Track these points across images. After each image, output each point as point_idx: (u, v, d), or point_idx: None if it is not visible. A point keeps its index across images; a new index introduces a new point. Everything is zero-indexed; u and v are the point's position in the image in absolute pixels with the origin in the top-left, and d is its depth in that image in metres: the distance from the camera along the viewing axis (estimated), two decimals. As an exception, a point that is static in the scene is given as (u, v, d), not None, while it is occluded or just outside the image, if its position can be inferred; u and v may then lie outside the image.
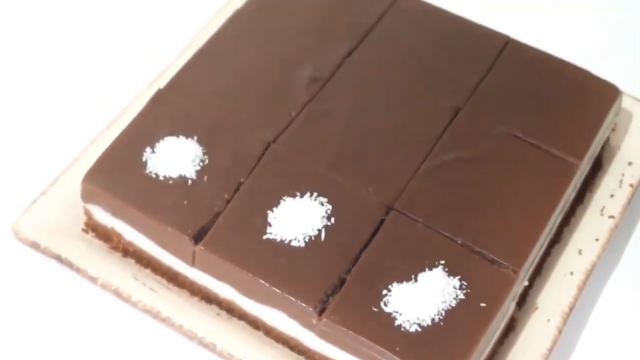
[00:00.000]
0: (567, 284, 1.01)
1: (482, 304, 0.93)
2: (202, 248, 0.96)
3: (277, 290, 0.94)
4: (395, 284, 0.94)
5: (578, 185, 1.06)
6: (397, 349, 0.90)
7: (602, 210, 1.06)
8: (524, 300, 1.01)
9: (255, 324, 0.99)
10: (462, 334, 0.92)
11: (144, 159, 1.01)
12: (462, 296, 0.93)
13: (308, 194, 0.99)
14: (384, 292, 0.93)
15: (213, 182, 1.00)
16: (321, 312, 0.93)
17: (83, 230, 1.05)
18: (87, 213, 1.04)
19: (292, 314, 0.95)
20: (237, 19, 1.13)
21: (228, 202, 0.99)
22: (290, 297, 0.93)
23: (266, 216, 0.97)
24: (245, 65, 1.09)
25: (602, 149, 1.10)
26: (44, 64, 1.23)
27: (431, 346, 0.91)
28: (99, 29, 1.27)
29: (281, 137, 1.03)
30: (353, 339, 0.92)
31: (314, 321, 0.93)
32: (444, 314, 0.92)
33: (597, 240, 1.04)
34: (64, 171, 1.06)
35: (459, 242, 0.97)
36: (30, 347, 1.01)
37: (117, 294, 0.99)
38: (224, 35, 1.12)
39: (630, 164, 1.10)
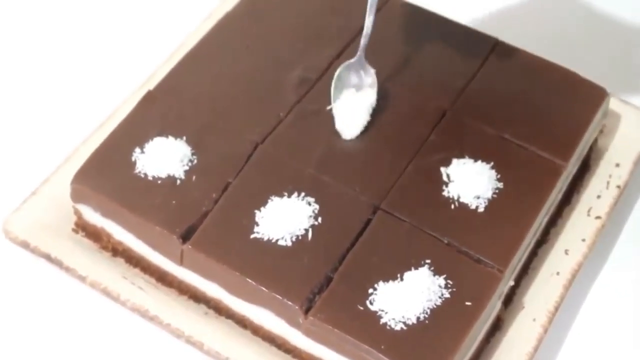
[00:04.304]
0: (554, 283, 1.01)
1: (468, 303, 0.94)
2: (189, 247, 0.97)
3: (264, 288, 0.95)
4: (381, 283, 0.94)
5: (565, 187, 1.07)
6: (383, 347, 0.91)
7: (589, 211, 1.07)
8: (511, 299, 1.01)
9: (243, 322, 1.00)
10: (447, 332, 0.92)
11: (133, 159, 1.02)
12: (447, 295, 0.94)
13: (295, 194, 0.99)
14: (370, 290, 0.94)
15: (201, 182, 1.00)
16: (307, 311, 0.93)
17: (73, 229, 1.05)
18: (77, 213, 1.05)
19: (279, 313, 0.95)
20: (227, 21, 1.14)
21: (216, 201, 0.99)
22: (277, 296, 0.94)
23: (254, 216, 0.98)
24: (235, 67, 1.10)
25: (590, 150, 1.11)
26: (35, 65, 1.24)
27: (416, 344, 0.91)
28: (90, 30, 1.28)
29: (270, 138, 1.04)
30: (339, 337, 0.92)
31: (300, 320, 0.94)
32: (429, 313, 0.93)
33: (583, 240, 1.04)
34: (54, 171, 1.07)
35: (445, 242, 0.97)
36: (18, 345, 1.01)
37: (106, 292, 0.99)
38: (214, 37, 1.13)
39: (617, 165, 1.10)
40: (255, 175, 1.01)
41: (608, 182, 1.09)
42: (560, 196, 1.06)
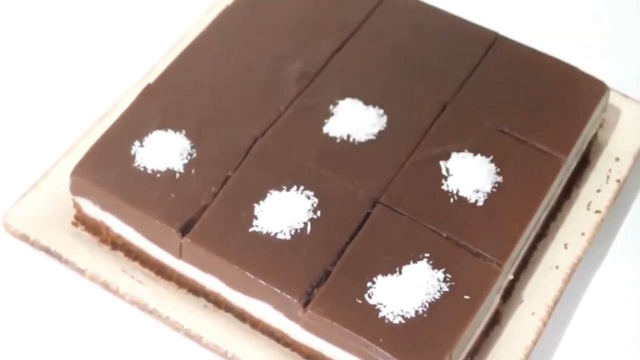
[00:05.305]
0: (553, 277, 1.01)
1: (466, 297, 0.94)
2: (188, 240, 0.97)
3: (263, 282, 0.95)
4: (379, 277, 0.94)
5: (564, 181, 1.07)
6: (381, 340, 0.91)
7: (588, 205, 1.07)
8: (510, 293, 1.01)
9: (242, 316, 1.00)
10: (445, 326, 0.92)
11: (132, 152, 1.02)
12: (446, 289, 0.94)
13: (294, 188, 0.99)
14: (369, 284, 0.94)
15: (201, 176, 1.01)
16: (306, 304, 0.94)
17: (72, 223, 1.05)
18: (77, 206, 1.05)
19: (278, 306, 0.96)
20: (227, 14, 1.14)
21: (215, 195, 1.00)
22: (276, 289, 0.94)
23: (253, 209, 0.98)
24: (235, 61, 1.10)
25: (590, 144, 1.11)
26: (36, 58, 1.24)
27: (415, 338, 0.91)
28: (91, 23, 1.28)
29: (269, 131, 1.04)
30: (337, 330, 0.92)
31: (299, 313, 0.94)
32: (427, 306, 0.93)
33: (583, 234, 1.04)
34: (54, 165, 1.07)
35: (444, 235, 0.97)
36: (18, 338, 1.01)
37: (105, 286, 1.00)
38: (213, 31, 1.13)
39: (617, 159, 1.10)
40: (255, 169, 1.01)
41: (608, 177, 1.09)
42: (559, 190, 1.06)
